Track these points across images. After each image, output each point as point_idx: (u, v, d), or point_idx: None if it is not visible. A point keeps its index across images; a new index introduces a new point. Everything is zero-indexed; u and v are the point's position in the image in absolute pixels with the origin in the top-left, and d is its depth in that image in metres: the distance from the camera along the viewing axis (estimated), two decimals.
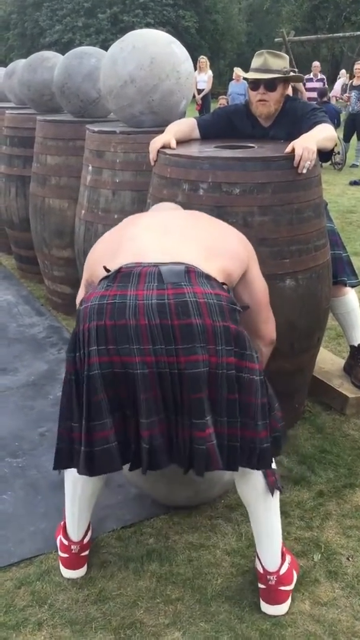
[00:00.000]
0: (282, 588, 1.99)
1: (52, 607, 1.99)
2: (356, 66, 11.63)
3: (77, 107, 4.08)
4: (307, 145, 2.54)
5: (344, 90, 13.07)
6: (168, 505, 2.41)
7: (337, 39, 23.68)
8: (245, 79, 2.94)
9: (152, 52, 3.21)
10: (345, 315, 3.21)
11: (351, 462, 2.69)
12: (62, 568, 2.14)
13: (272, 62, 2.85)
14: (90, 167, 3.43)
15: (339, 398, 3.09)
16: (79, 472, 1.87)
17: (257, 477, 1.94)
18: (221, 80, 28.15)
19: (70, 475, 2.06)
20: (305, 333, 2.74)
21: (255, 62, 2.90)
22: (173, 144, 2.75)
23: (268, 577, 1.98)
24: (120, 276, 1.83)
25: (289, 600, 2.00)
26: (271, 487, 1.95)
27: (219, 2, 37.15)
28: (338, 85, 14.79)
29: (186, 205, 2.55)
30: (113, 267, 1.88)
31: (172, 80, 3.26)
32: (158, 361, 1.74)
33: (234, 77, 14.91)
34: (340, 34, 21.16)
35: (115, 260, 1.92)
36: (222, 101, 11.66)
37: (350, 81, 11.87)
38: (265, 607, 1.99)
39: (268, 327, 2.28)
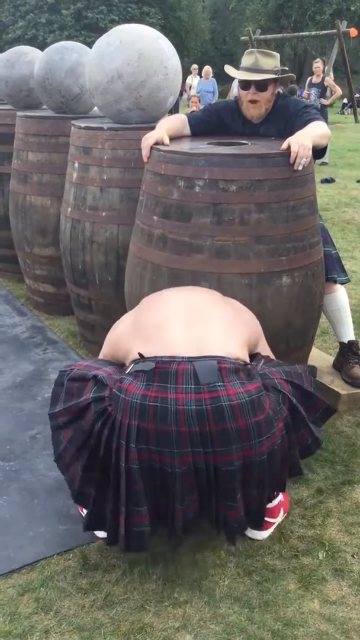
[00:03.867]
0: (266, 519, 2.21)
1: (59, 613, 1.95)
2: (315, 64, 11.74)
3: (58, 102, 4.01)
4: (302, 142, 2.53)
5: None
6: None
7: (302, 38, 23.86)
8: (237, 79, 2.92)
9: (140, 48, 3.17)
10: (335, 312, 3.22)
11: (347, 459, 2.69)
12: (97, 531, 2.24)
13: (263, 61, 2.84)
14: (76, 164, 3.37)
15: (330, 395, 3.09)
16: (117, 546, 2.05)
17: None
18: (185, 78, 28.18)
19: None
20: (300, 330, 2.73)
21: (246, 61, 2.88)
22: (166, 140, 2.72)
23: None
24: (157, 374, 1.94)
25: (270, 531, 2.26)
26: None
27: (183, 0, 37.12)
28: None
29: (182, 202, 2.53)
30: (146, 354, 2.01)
31: (160, 76, 3.22)
32: (195, 461, 1.91)
33: (202, 75, 14.94)
34: (306, 33, 21.34)
35: (146, 348, 2.04)
36: (193, 99, 11.63)
37: (310, 78, 11.94)
38: (247, 530, 2.23)
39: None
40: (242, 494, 1.99)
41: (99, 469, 2.00)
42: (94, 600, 1.99)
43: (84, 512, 2.31)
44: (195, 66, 16.45)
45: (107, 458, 1.96)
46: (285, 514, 2.33)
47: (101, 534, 2.23)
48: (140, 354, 2.03)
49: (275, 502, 2.26)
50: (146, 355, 2.02)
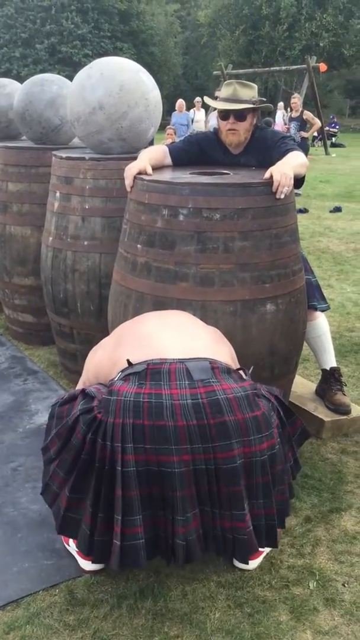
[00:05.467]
0: None
1: None
2: (293, 100, 12.16)
3: (38, 134, 4.02)
4: (284, 171, 2.57)
5: (284, 121, 13.53)
6: None
7: (272, 73, 24.41)
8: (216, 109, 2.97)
9: (121, 80, 3.20)
10: (316, 339, 3.24)
11: (333, 486, 2.68)
12: (83, 563, 2.18)
13: (241, 92, 2.89)
14: (57, 194, 3.37)
15: (314, 422, 3.09)
16: (111, 565, 1.91)
17: None
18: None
19: None
20: (284, 357, 2.74)
21: (225, 91, 2.94)
22: (149, 170, 2.74)
23: None
24: (150, 373, 1.90)
25: (259, 560, 2.21)
26: None
27: (155, 35, 37.79)
28: (279, 118, 15.26)
29: (166, 231, 2.54)
30: (136, 360, 1.97)
31: (141, 108, 3.25)
32: (195, 459, 1.84)
33: (176, 108, 15.18)
34: (277, 68, 21.83)
35: (135, 354, 2.00)
36: (169, 131, 11.78)
37: (290, 113, 12.37)
38: (236, 561, 2.20)
39: None
40: (248, 503, 1.92)
41: (89, 485, 1.91)
42: (82, 637, 1.94)
43: (70, 546, 2.26)
44: (198, 99, 16.46)
45: (100, 468, 1.88)
46: None
47: (89, 566, 2.18)
48: (128, 361, 1.99)
49: None
50: (135, 361, 1.97)
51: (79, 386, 2.35)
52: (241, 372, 2.14)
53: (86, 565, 2.19)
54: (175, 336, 2.10)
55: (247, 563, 2.14)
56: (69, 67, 28.44)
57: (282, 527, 2.15)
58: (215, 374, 1.93)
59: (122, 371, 1.98)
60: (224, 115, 2.92)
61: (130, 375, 1.93)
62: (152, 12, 37.81)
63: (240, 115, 2.89)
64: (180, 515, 1.86)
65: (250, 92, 2.92)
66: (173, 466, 1.82)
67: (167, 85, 38.20)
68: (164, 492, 1.86)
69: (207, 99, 3.11)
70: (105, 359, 2.17)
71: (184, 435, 1.82)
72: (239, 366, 2.30)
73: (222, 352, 2.13)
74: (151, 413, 1.82)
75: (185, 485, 1.84)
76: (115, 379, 1.98)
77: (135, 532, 1.86)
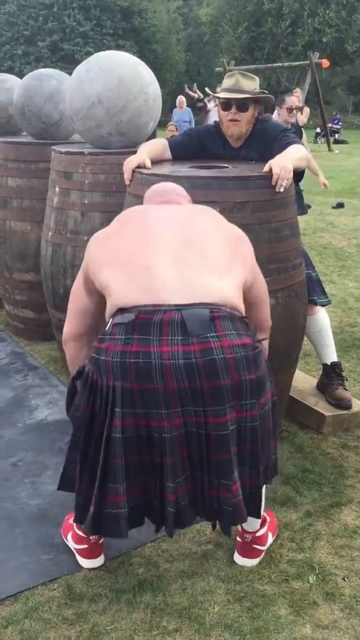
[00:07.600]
0: (255, 546, 2.20)
1: None
2: (294, 93, 12.16)
3: (38, 129, 4.01)
4: (283, 164, 2.55)
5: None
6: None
7: (275, 69, 24.35)
8: (217, 98, 2.95)
9: (120, 74, 3.19)
10: (317, 334, 3.23)
11: (334, 481, 2.67)
12: (82, 560, 2.19)
13: (244, 82, 2.87)
14: (57, 189, 3.37)
15: (315, 417, 3.08)
16: (85, 528, 1.86)
17: None
18: (162, 108, 28.51)
19: None
20: (284, 351, 2.73)
21: (227, 82, 2.92)
22: (148, 163, 2.72)
23: (245, 535, 2.18)
24: (139, 325, 1.73)
25: (260, 558, 2.21)
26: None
27: (157, 33, 37.75)
28: (275, 115, 15.20)
29: None
30: (126, 303, 1.79)
31: (140, 102, 3.24)
32: (186, 422, 1.73)
33: (177, 105, 15.12)
34: (279, 64, 21.75)
35: (127, 293, 1.82)
36: (170, 127, 11.77)
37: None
38: (237, 558, 2.21)
39: (268, 318, 2.29)
40: (237, 471, 1.80)
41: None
42: (80, 632, 1.93)
43: (69, 541, 2.25)
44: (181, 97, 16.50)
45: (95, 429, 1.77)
46: (274, 537, 2.30)
47: (87, 564, 2.18)
48: (120, 308, 1.82)
49: (261, 532, 2.20)
50: (127, 302, 1.80)
51: (78, 278, 2.13)
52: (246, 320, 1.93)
53: (84, 562, 2.18)
54: (178, 263, 1.85)
55: (229, 534, 1.99)
56: (71, 65, 28.26)
57: (268, 482, 2.01)
58: (215, 326, 1.74)
59: (113, 316, 1.83)
60: (226, 105, 2.89)
61: (117, 326, 1.77)
62: (154, 9, 37.79)
63: (242, 106, 2.86)
64: (170, 481, 1.75)
65: (252, 84, 2.90)
66: (163, 431, 1.71)
67: (170, 82, 38.13)
68: (153, 458, 1.75)
69: (207, 90, 3.10)
70: (100, 262, 1.96)
71: (174, 398, 1.69)
72: (255, 280, 2.09)
73: (232, 281, 1.89)
74: (139, 376, 1.69)
75: (176, 450, 1.73)
76: (107, 327, 1.84)
77: (116, 501, 1.76)
